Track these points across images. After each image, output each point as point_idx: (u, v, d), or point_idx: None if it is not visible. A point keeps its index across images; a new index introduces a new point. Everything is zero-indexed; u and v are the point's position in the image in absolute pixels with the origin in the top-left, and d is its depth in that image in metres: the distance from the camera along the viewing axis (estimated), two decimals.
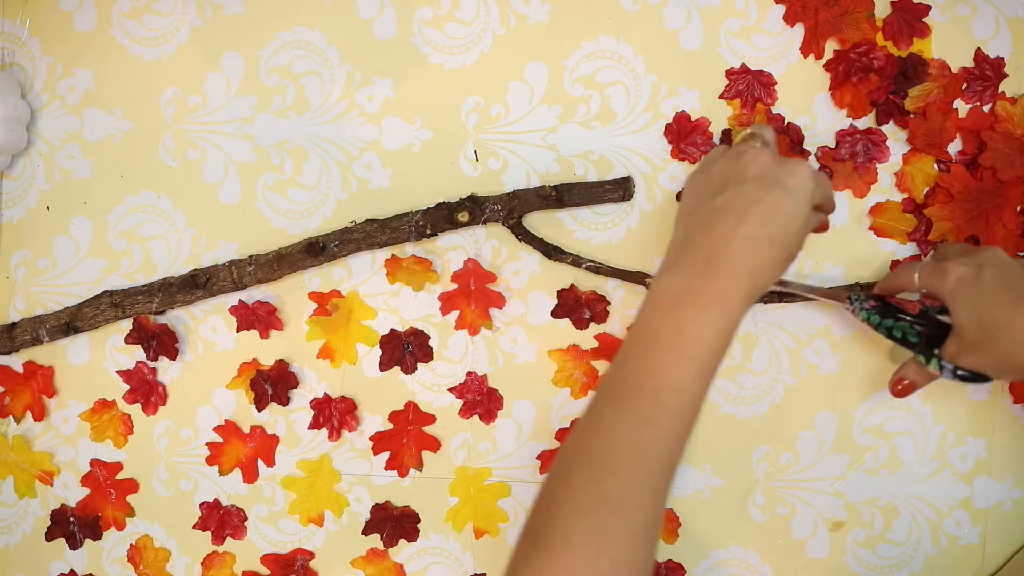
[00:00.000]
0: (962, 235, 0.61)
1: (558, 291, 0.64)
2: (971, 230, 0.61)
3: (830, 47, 0.62)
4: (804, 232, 0.48)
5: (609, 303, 0.64)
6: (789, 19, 0.62)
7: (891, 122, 0.62)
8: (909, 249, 0.62)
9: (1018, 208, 0.61)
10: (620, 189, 0.62)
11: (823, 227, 0.56)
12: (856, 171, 0.62)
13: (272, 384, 0.66)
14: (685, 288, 0.45)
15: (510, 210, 0.62)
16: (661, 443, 0.43)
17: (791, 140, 0.62)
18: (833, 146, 0.62)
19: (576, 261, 0.63)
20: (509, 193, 0.63)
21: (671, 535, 0.65)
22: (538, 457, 0.65)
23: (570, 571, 0.41)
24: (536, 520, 0.44)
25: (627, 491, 0.42)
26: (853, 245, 0.63)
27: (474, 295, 0.64)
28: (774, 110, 0.62)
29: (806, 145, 0.62)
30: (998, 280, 0.50)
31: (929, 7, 0.60)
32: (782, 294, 0.62)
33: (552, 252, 0.63)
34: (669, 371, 0.44)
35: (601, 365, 0.64)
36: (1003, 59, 0.61)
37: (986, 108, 0.61)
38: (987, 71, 0.61)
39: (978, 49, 0.61)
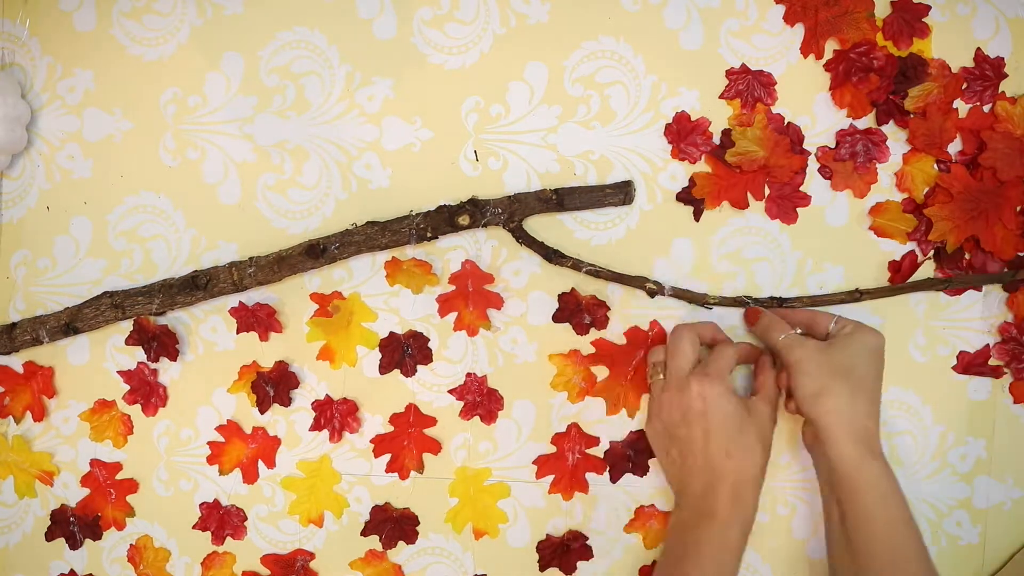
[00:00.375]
0: (962, 235, 0.61)
1: (559, 295, 0.64)
2: (971, 230, 0.61)
3: (830, 47, 0.62)
4: (750, 417, 0.58)
5: (609, 308, 0.64)
6: (789, 19, 0.62)
7: (891, 122, 0.62)
8: (909, 248, 0.62)
9: (1018, 208, 0.61)
10: (621, 193, 0.62)
11: (781, 384, 0.60)
12: (856, 171, 0.62)
13: (273, 386, 0.66)
14: (691, 515, 0.57)
15: (511, 213, 0.62)
16: None
17: (791, 140, 0.62)
18: (833, 146, 0.62)
19: (576, 265, 0.63)
20: (510, 196, 0.63)
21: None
22: (535, 462, 0.65)
23: None
24: None
25: None
26: (853, 245, 0.63)
27: (472, 296, 0.64)
28: (774, 110, 0.62)
29: (806, 145, 0.62)
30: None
31: (929, 7, 0.60)
32: (782, 300, 0.62)
33: (552, 256, 0.63)
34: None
35: (599, 371, 0.64)
36: (1003, 59, 0.61)
37: (986, 108, 0.61)
38: (987, 71, 0.61)
39: (978, 49, 0.61)
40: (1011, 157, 0.60)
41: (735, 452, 0.56)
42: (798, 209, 0.63)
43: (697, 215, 0.63)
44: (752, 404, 0.59)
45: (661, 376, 0.60)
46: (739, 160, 0.62)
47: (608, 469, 0.65)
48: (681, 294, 0.63)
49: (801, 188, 0.63)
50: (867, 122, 0.62)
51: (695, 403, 0.57)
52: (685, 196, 0.63)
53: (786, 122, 0.62)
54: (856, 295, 0.62)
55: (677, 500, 0.59)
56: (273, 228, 0.66)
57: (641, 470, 0.64)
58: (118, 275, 0.68)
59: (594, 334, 0.64)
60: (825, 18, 0.61)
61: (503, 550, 0.67)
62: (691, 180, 0.63)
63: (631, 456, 0.64)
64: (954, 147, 0.61)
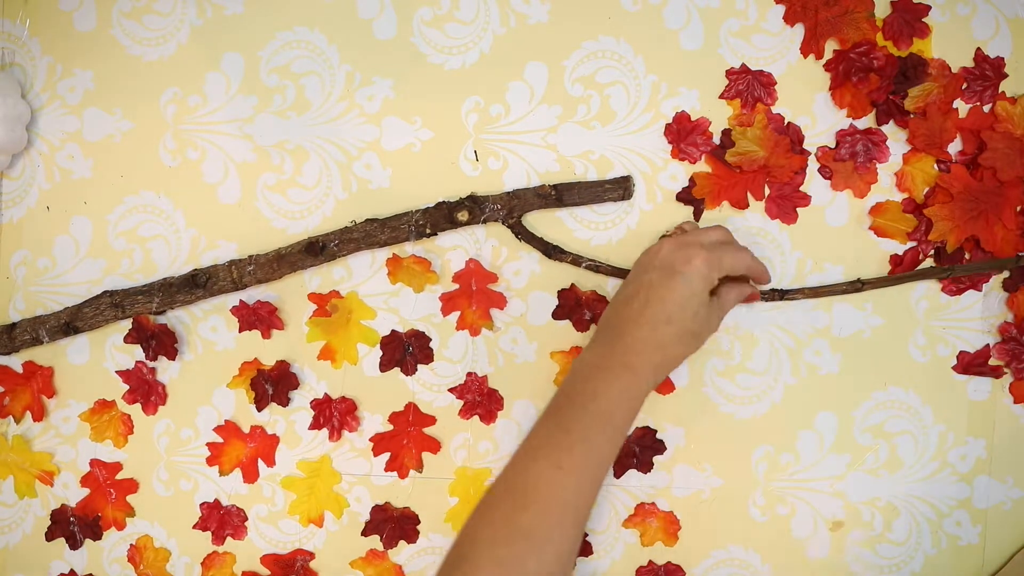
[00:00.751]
0: (962, 235, 0.61)
1: (559, 292, 0.64)
2: (971, 230, 0.61)
3: (830, 47, 0.62)
4: (707, 310, 0.55)
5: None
6: (789, 19, 0.62)
7: (891, 122, 0.62)
8: (909, 247, 0.62)
9: (1018, 208, 0.61)
10: (620, 188, 0.62)
11: (752, 297, 0.60)
12: (856, 171, 0.62)
13: (273, 384, 0.66)
14: (600, 358, 0.54)
15: (510, 209, 0.62)
16: (570, 487, 0.51)
17: (791, 140, 0.62)
18: (833, 146, 0.62)
19: (576, 260, 0.63)
20: (509, 192, 0.63)
21: (671, 538, 0.65)
22: None
23: None
24: (457, 546, 0.51)
25: (538, 525, 0.49)
26: (853, 245, 0.63)
27: (475, 295, 0.64)
28: (774, 110, 0.62)
29: (806, 145, 0.62)
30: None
31: (929, 7, 0.60)
32: (783, 292, 0.62)
33: (552, 251, 0.63)
34: (581, 426, 0.52)
35: None
36: (1003, 59, 0.61)
37: (986, 108, 0.61)
38: (987, 71, 0.61)
39: (978, 49, 0.61)
40: (1011, 157, 0.60)
41: (679, 330, 0.53)
42: (798, 209, 0.63)
43: (697, 215, 0.63)
44: (713, 305, 0.56)
45: (671, 234, 0.59)
46: (739, 160, 0.62)
47: (612, 466, 0.65)
48: None
49: (801, 188, 0.63)
50: (867, 122, 0.62)
51: (693, 263, 0.54)
52: (685, 196, 0.63)
53: (786, 122, 0.62)
54: (858, 285, 0.62)
55: (603, 338, 0.55)
56: (273, 228, 0.66)
57: (646, 467, 0.64)
58: (118, 275, 0.68)
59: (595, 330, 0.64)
60: (825, 18, 0.61)
61: None
62: (691, 180, 0.63)
63: (637, 453, 0.64)
64: (954, 147, 0.61)
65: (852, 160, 0.62)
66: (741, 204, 0.63)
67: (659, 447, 0.64)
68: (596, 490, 0.52)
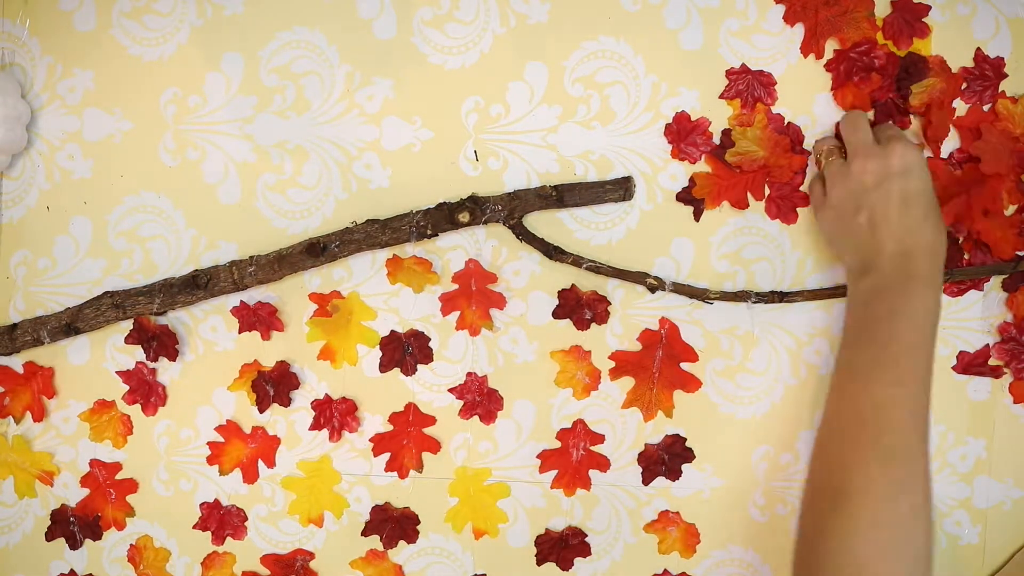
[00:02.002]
0: (946, 221, 0.61)
1: (559, 292, 0.64)
2: (954, 218, 0.61)
3: (830, 47, 0.62)
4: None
5: (610, 303, 0.64)
6: (789, 19, 0.62)
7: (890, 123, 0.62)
8: None
9: (1016, 207, 0.61)
10: (620, 189, 0.62)
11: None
12: None
13: (274, 385, 0.66)
14: (884, 285, 0.55)
15: (511, 210, 0.62)
16: (914, 398, 0.52)
17: (791, 140, 0.62)
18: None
19: (577, 261, 0.63)
20: (510, 193, 0.63)
21: (689, 549, 0.65)
22: (539, 456, 0.65)
23: (882, 515, 0.48)
24: (829, 477, 0.52)
25: (906, 444, 0.51)
26: None
27: (475, 296, 0.64)
28: (774, 110, 0.62)
29: (806, 145, 0.62)
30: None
31: (929, 7, 0.60)
32: (783, 294, 0.62)
33: (553, 252, 0.63)
34: (898, 339, 0.53)
35: (624, 383, 0.64)
36: (1003, 59, 0.61)
37: (985, 108, 0.61)
38: (987, 71, 0.61)
39: (978, 49, 0.61)
40: (1000, 153, 0.60)
41: (932, 218, 0.55)
42: (798, 209, 0.63)
43: (697, 215, 0.63)
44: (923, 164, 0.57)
45: (838, 157, 0.59)
46: (739, 160, 0.62)
47: (641, 472, 0.65)
48: (682, 289, 0.63)
49: (801, 188, 0.63)
50: None
51: (895, 163, 0.56)
52: (685, 196, 0.63)
53: (786, 122, 0.62)
54: None
55: (863, 270, 0.57)
56: (273, 228, 0.66)
57: (674, 475, 0.64)
58: (118, 275, 0.68)
59: (595, 330, 0.64)
60: (825, 18, 0.61)
61: (503, 550, 0.67)
62: (691, 180, 0.63)
63: (665, 460, 0.64)
64: (950, 145, 0.61)
65: None
66: (741, 204, 0.63)
67: (688, 455, 0.64)
68: (930, 396, 0.53)
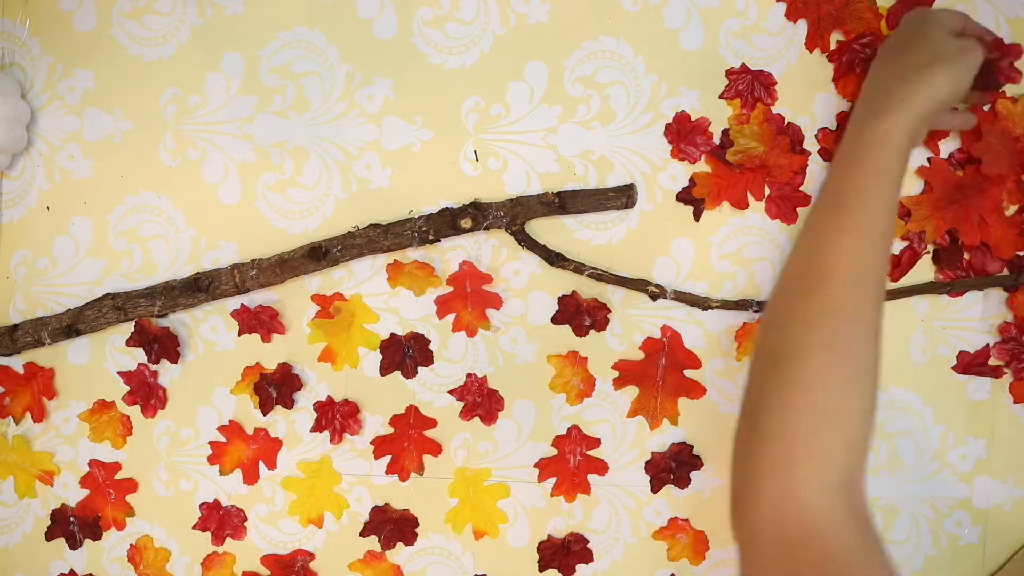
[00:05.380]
0: (942, 226, 0.61)
1: (559, 298, 0.64)
2: (951, 222, 0.61)
3: (834, 40, 0.61)
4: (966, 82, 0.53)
5: (610, 311, 0.64)
6: (791, 15, 0.61)
7: None
8: (895, 248, 0.62)
9: (1016, 207, 0.61)
10: (623, 196, 0.62)
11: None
12: None
13: (276, 387, 0.66)
14: (863, 112, 0.52)
15: (513, 216, 0.62)
16: (860, 248, 0.48)
17: (791, 140, 0.62)
18: (834, 128, 0.62)
19: (579, 268, 0.63)
20: (512, 199, 0.63)
21: (698, 556, 0.65)
22: (536, 465, 0.65)
23: (820, 379, 0.45)
24: (769, 338, 0.48)
25: (849, 296, 0.47)
26: None
27: (471, 297, 0.64)
28: (774, 110, 0.62)
29: (806, 145, 0.62)
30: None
31: None
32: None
33: (555, 259, 0.63)
34: (851, 186, 0.49)
35: (629, 392, 0.64)
36: None
37: (986, 108, 0.61)
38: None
39: None
40: (1001, 153, 0.60)
41: (928, 51, 0.52)
42: (798, 209, 0.63)
43: (697, 215, 0.63)
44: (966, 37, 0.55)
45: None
46: (739, 158, 0.62)
47: (649, 480, 0.65)
48: (683, 297, 0.63)
49: (801, 188, 0.62)
50: None
51: (958, 19, 0.54)
52: (685, 196, 0.63)
53: (786, 122, 0.62)
54: None
55: (858, 102, 0.55)
56: (273, 228, 0.66)
57: (683, 483, 0.64)
58: (118, 275, 0.67)
59: (594, 336, 0.64)
60: (827, 11, 0.61)
61: (503, 550, 0.67)
62: (691, 180, 0.63)
63: (673, 468, 0.64)
64: (950, 146, 0.61)
65: None
66: (741, 204, 0.63)
67: (696, 463, 0.64)
68: (888, 245, 0.49)
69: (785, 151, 0.62)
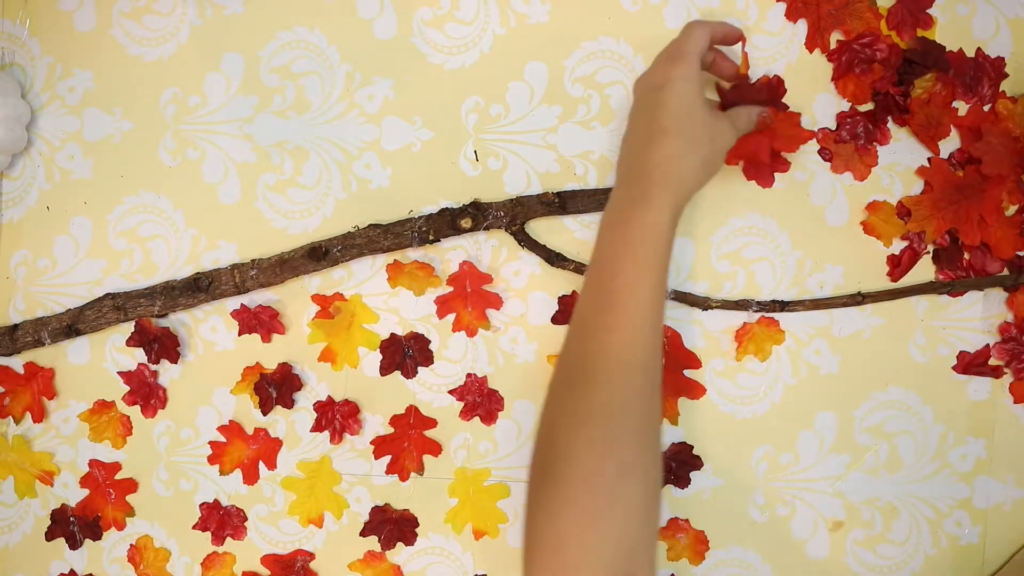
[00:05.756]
0: (942, 226, 0.61)
1: (559, 298, 0.64)
2: (951, 223, 0.61)
3: (835, 39, 0.61)
4: (713, 118, 0.51)
5: None
6: (791, 15, 0.61)
7: (889, 119, 0.61)
8: (895, 248, 0.62)
9: (1016, 207, 0.61)
10: None
11: (762, 122, 0.57)
12: (857, 152, 0.62)
13: (276, 388, 0.66)
14: (622, 200, 0.50)
15: (513, 216, 0.62)
16: (629, 344, 0.46)
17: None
18: (834, 128, 0.62)
19: (579, 268, 0.63)
20: (512, 199, 0.63)
21: (698, 556, 0.65)
22: None
23: (582, 483, 0.43)
24: (540, 448, 0.47)
25: (612, 397, 0.45)
26: (853, 245, 0.63)
27: (471, 297, 0.64)
28: None
29: (807, 145, 0.62)
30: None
31: None
32: (784, 303, 0.62)
33: (555, 259, 0.63)
34: (622, 271, 0.47)
35: None
36: (1003, 59, 0.61)
37: (986, 108, 0.61)
38: (987, 70, 0.61)
39: (978, 49, 0.61)
40: (1001, 154, 0.60)
41: (679, 136, 0.49)
42: (801, 214, 0.63)
43: None
44: (719, 115, 0.53)
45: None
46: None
47: None
48: (683, 297, 0.63)
49: (800, 177, 0.62)
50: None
51: (658, 73, 0.51)
52: None
53: None
54: (858, 298, 0.62)
55: (616, 185, 0.52)
56: (273, 228, 0.66)
57: (683, 483, 0.64)
58: (118, 275, 0.68)
59: None
60: (827, 11, 0.61)
61: (503, 550, 0.67)
62: None
63: (673, 468, 0.64)
64: (950, 146, 0.61)
65: (853, 142, 0.62)
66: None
67: (696, 462, 0.64)
68: (659, 332, 0.48)
69: (795, 124, 0.61)
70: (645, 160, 0.50)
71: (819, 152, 0.62)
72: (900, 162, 0.62)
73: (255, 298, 0.66)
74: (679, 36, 0.53)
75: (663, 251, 0.48)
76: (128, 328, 0.67)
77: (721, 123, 0.52)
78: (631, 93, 0.54)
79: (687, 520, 0.65)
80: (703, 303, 0.63)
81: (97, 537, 0.70)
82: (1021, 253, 0.61)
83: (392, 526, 0.67)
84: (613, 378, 0.46)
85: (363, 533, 0.67)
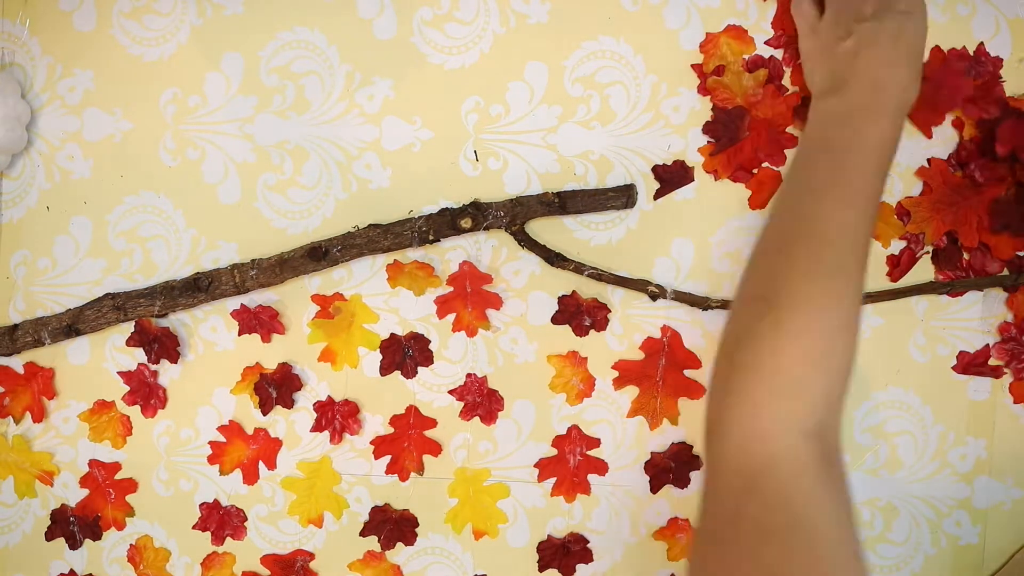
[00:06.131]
0: (941, 228, 0.61)
1: (559, 297, 0.64)
2: (950, 224, 0.61)
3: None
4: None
5: (610, 311, 0.64)
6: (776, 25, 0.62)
7: None
8: (894, 248, 0.62)
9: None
10: (623, 197, 0.62)
11: None
12: None
13: (276, 387, 0.66)
14: (851, 105, 0.53)
15: (513, 216, 0.62)
16: (859, 223, 0.50)
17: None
18: None
19: (578, 268, 0.63)
20: (512, 199, 0.63)
21: None
22: (536, 465, 0.65)
23: (809, 326, 0.46)
24: (759, 285, 0.50)
25: (844, 262, 0.49)
26: None
27: (471, 297, 0.64)
28: None
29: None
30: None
31: None
32: None
33: (555, 259, 0.63)
34: (858, 164, 0.51)
35: (629, 392, 0.64)
36: (1002, 59, 0.61)
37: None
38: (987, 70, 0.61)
39: (980, 44, 0.61)
40: (1016, 130, 0.59)
41: (914, 64, 0.54)
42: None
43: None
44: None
45: None
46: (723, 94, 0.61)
47: (649, 480, 0.65)
48: (683, 297, 0.63)
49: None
50: None
51: (900, 3, 0.55)
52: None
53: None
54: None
55: (831, 90, 0.55)
56: (273, 228, 0.66)
57: (683, 483, 0.64)
58: (118, 275, 0.68)
59: (594, 336, 0.64)
60: None
61: (503, 550, 0.67)
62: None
63: (672, 468, 0.64)
64: (948, 147, 0.61)
65: None
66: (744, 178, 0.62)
67: (696, 462, 0.64)
68: (874, 224, 0.52)
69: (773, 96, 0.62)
70: (880, 79, 0.53)
71: None
72: (900, 162, 0.62)
73: (255, 298, 0.66)
74: None
75: (892, 154, 0.53)
76: (128, 328, 0.67)
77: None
78: (854, 4, 0.56)
79: (687, 520, 0.65)
80: (703, 303, 0.63)
81: (97, 537, 0.70)
82: (1021, 253, 0.61)
83: (392, 526, 0.67)
84: (847, 246, 0.49)
85: (363, 533, 0.67)
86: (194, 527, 0.69)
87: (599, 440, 0.65)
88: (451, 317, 0.65)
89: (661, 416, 0.64)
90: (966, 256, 0.62)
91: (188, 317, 0.67)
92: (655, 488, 0.65)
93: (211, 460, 0.68)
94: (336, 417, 0.66)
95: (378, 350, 0.65)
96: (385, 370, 0.65)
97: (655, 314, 0.64)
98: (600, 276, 0.63)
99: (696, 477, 0.64)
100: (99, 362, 0.68)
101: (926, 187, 0.61)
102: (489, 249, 0.64)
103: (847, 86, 0.54)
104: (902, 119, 0.54)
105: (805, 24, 0.59)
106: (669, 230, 0.64)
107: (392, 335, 0.66)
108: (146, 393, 0.68)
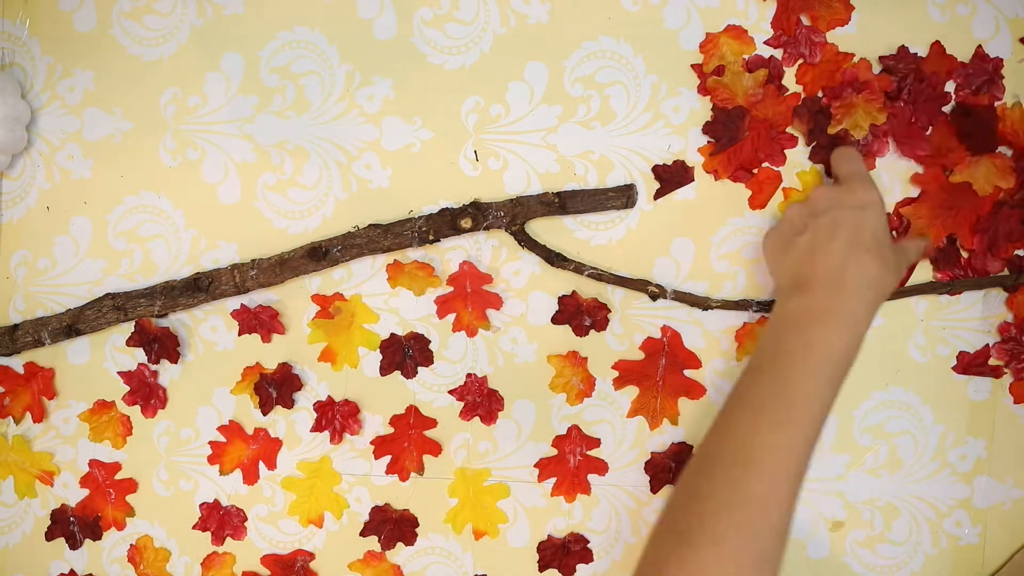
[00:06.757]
0: (940, 232, 0.61)
1: (559, 298, 0.64)
2: (949, 228, 0.61)
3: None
4: (895, 246, 0.55)
5: (610, 311, 0.64)
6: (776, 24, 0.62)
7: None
8: None
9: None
10: (623, 197, 0.62)
11: (928, 252, 0.61)
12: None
13: (276, 387, 0.66)
14: (809, 309, 0.52)
15: (513, 216, 0.62)
16: (795, 447, 0.49)
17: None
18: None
19: (578, 268, 0.63)
20: (512, 199, 0.63)
21: None
22: (536, 466, 0.65)
23: (718, 565, 0.46)
24: (678, 516, 0.49)
25: (768, 490, 0.47)
26: None
27: (471, 297, 0.64)
28: None
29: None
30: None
31: None
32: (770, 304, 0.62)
33: (555, 259, 0.63)
34: (801, 382, 0.50)
35: (629, 392, 0.64)
36: (1002, 60, 0.61)
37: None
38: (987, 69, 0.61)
39: (979, 47, 0.61)
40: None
41: (881, 255, 0.52)
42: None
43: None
44: (898, 246, 0.56)
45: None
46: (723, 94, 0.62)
47: (649, 480, 0.65)
48: (683, 297, 0.63)
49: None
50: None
51: (853, 197, 0.54)
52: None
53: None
54: None
55: (792, 290, 0.54)
56: (273, 228, 0.66)
57: None
58: (118, 275, 0.68)
59: (594, 336, 0.64)
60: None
61: (503, 550, 0.67)
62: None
63: (673, 468, 0.64)
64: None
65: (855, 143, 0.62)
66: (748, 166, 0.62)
67: None
68: (815, 448, 0.50)
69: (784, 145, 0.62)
70: (843, 273, 0.52)
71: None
72: (895, 167, 0.62)
73: (255, 298, 0.66)
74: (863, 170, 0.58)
75: (850, 362, 0.51)
76: (128, 328, 0.67)
77: (900, 256, 0.56)
78: (809, 202, 0.57)
79: None
80: (703, 303, 0.63)
81: (97, 537, 0.70)
82: (1021, 253, 0.61)
83: (392, 526, 0.67)
84: (778, 476, 0.48)
85: (363, 533, 0.67)
86: (194, 527, 0.69)
87: (599, 440, 0.65)
88: (451, 317, 0.65)
89: (661, 416, 0.64)
90: (965, 256, 0.62)
91: (188, 317, 0.67)
92: (655, 488, 0.65)
93: (211, 460, 0.68)
94: (336, 417, 0.66)
95: (378, 350, 0.65)
96: (385, 370, 0.65)
97: (655, 314, 0.64)
98: (600, 276, 0.63)
99: None
100: (99, 362, 0.68)
101: (923, 193, 0.61)
102: (489, 249, 0.64)
103: (809, 285, 0.53)
104: (864, 318, 0.51)
105: (770, 227, 0.60)
106: (669, 230, 0.64)
107: (392, 335, 0.66)
108: (146, 393, 0.68)
